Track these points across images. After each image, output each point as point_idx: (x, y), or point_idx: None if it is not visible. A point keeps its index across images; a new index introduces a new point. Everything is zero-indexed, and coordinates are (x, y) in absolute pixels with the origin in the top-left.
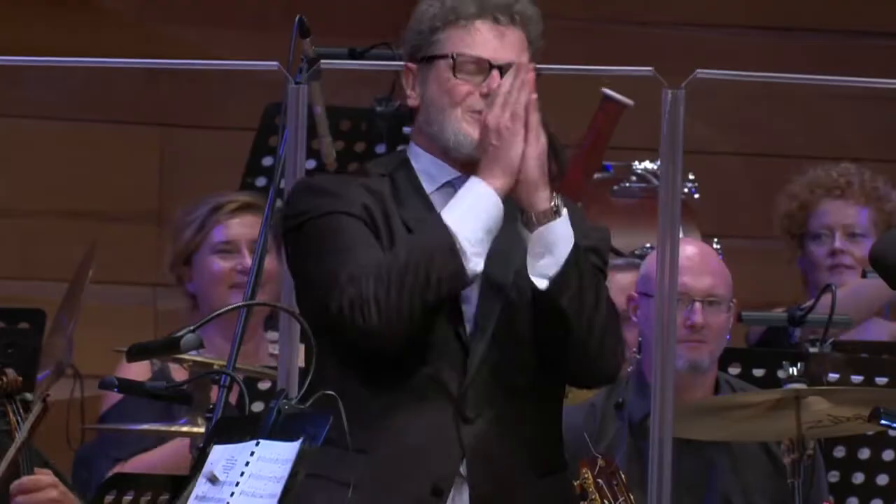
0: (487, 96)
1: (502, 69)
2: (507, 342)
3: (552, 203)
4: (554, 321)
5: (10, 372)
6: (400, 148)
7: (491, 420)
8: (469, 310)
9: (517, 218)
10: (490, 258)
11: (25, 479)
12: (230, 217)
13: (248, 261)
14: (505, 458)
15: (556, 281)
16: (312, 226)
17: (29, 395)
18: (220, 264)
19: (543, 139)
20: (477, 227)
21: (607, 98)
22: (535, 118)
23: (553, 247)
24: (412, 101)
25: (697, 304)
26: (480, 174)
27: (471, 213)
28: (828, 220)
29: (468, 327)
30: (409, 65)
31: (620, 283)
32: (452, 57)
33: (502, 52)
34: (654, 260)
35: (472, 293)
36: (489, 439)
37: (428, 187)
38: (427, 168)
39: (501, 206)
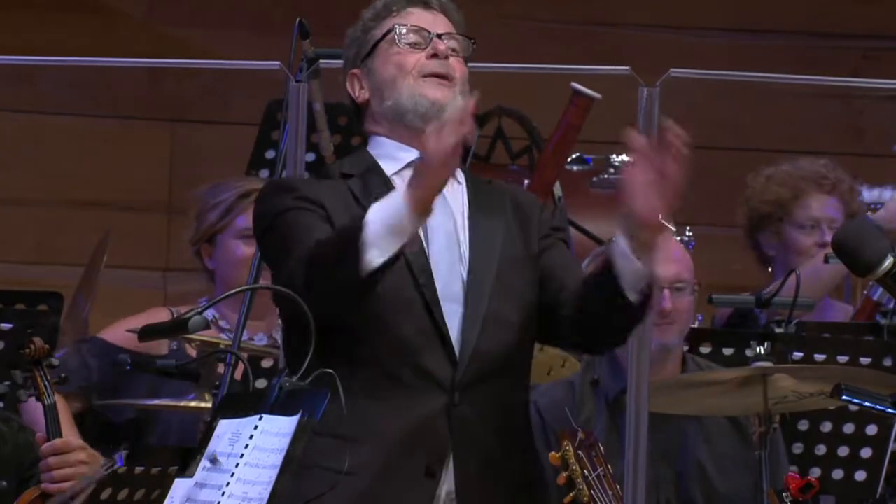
0: (435, 56)
1: (441, 37)
2: (493, 329)
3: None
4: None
5: (38, 340)
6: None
7: (474, 403)
8: (453, 302)
9: (503, 211)
10: (473, 248)
11: (57, 441)
12: None
13: None
14: (487, 439)
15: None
16: (278, 221)
17: (55, 360)
18: (244, 249)
19: None
20: (382, 227)
21: (577, 93)
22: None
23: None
24: (362, 97)
25: (666, 291)
26: (407, 183)
27: (381, 214)
28: (816, 212)
29: (452, 315)
30: (353, 71)
31: None
32: (393, 29)
33: (438, 26)
34: None
35: (457, 280)
36: (474, 422)
37: (391, 168)
38: (390, 152)
39: (408, 215)
